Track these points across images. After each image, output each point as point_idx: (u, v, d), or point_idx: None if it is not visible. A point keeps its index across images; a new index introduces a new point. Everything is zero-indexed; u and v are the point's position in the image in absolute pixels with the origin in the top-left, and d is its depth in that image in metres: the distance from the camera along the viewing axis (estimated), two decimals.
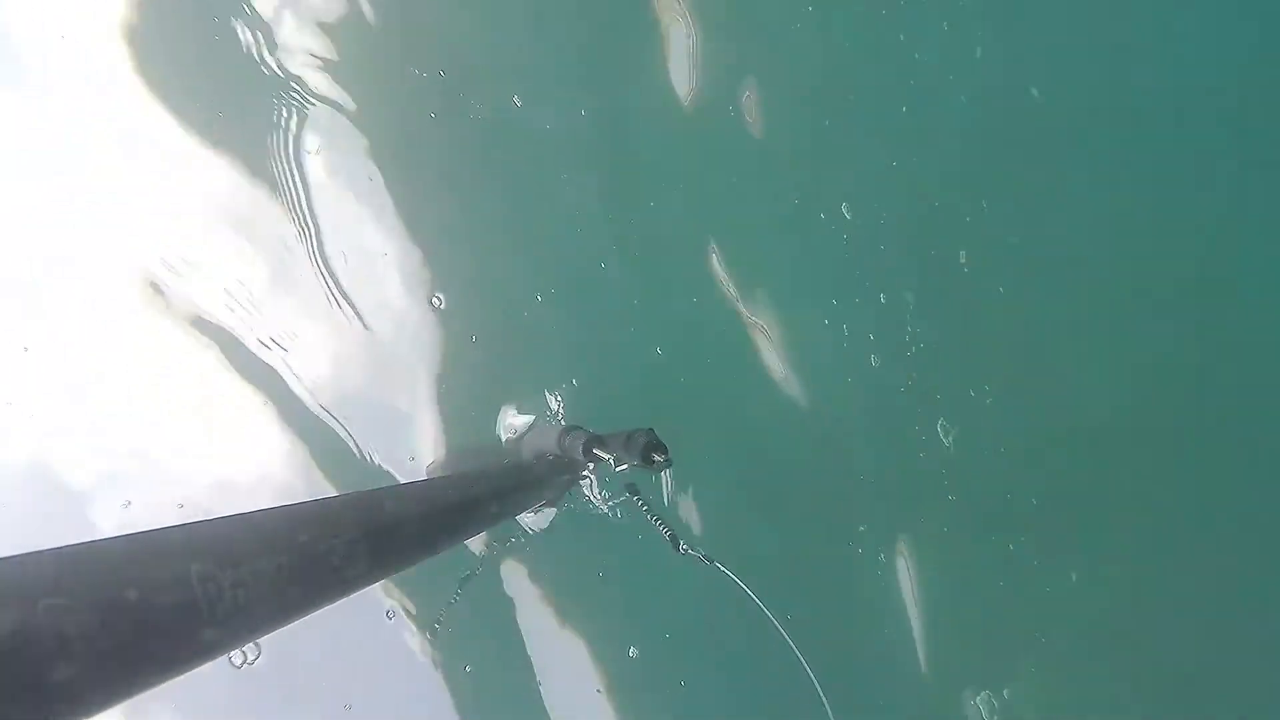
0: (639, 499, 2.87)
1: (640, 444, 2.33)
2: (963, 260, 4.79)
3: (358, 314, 3.01)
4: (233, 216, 2.87)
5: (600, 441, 2.56)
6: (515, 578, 3.40)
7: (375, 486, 1.78)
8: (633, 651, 3.60)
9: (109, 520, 2.66)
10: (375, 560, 1.31)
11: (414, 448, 3.11)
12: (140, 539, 0.93)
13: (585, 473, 3.01)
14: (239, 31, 2.88)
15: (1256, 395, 6.12)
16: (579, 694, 3.53)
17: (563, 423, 3.11)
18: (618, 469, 2.53)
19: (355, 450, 3.04)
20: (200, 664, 0.92)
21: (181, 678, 0.91)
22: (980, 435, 4.88)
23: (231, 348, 2.86)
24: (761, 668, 3.77)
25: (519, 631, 3.43)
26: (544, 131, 3.44)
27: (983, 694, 4.92)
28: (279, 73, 2.93)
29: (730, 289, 3.93)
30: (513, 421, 3.16)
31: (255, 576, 0.98)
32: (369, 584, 1.33)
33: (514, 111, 3.34)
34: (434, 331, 3.16)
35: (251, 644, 2.51)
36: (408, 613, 3.20)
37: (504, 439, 3.18)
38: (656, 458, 2.32)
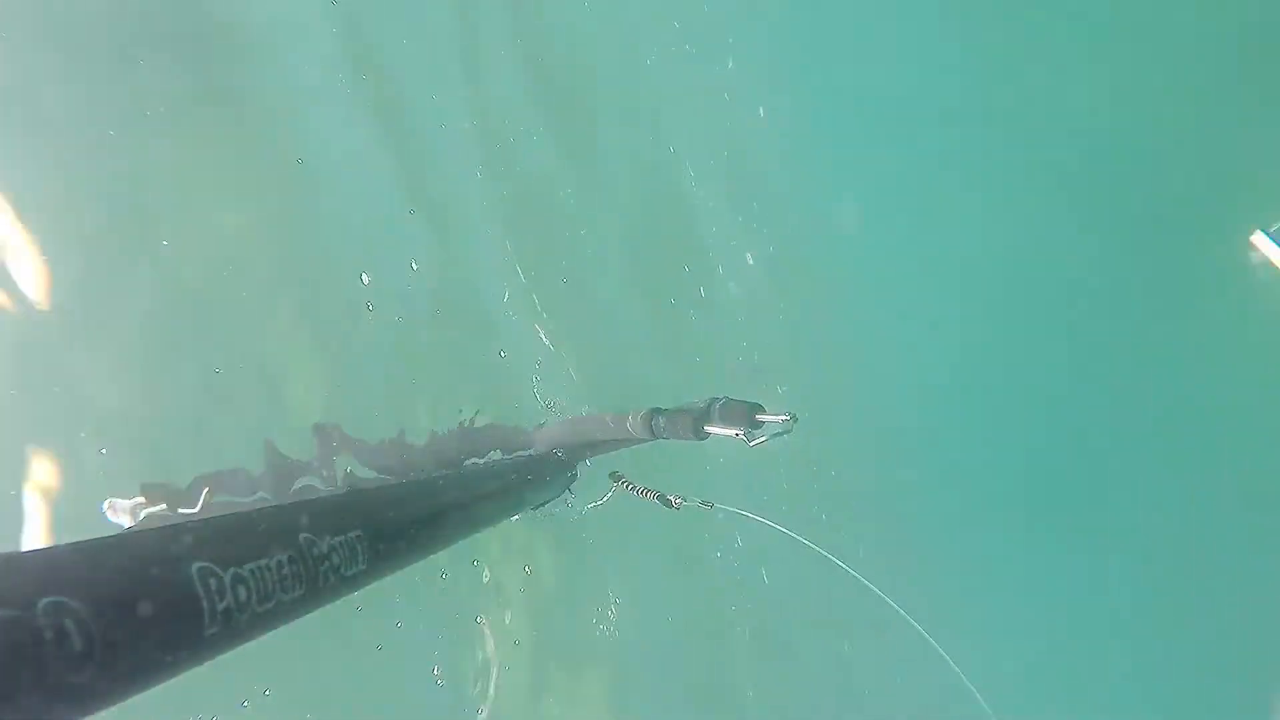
0: (622, 480, 2.98)
1: (742, 412, 2.47)
2: None
3: None
4: None
5: (705, 417, 2.60)
6: None
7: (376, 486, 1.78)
8: None
9: None
10: (376, 558, 1.31)
11: None
12: (142, 538, 0.93)
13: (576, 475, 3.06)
14: None
15: None
16: None
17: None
18: (753, 444, 2.56)
19: None
20: (202, 662, 0.92)
21: (183, 676, 0.91)
22: None
23: None
24: None
25: None
26: None
27: None
28: None
29: None
30: None
31: (257, 574, 0.98)
32: (370, 582, 1.32)
33: None
34: None
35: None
36: None
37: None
38: (762, 417, 2.45)
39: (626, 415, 2.81)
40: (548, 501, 3.00)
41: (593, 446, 2.96)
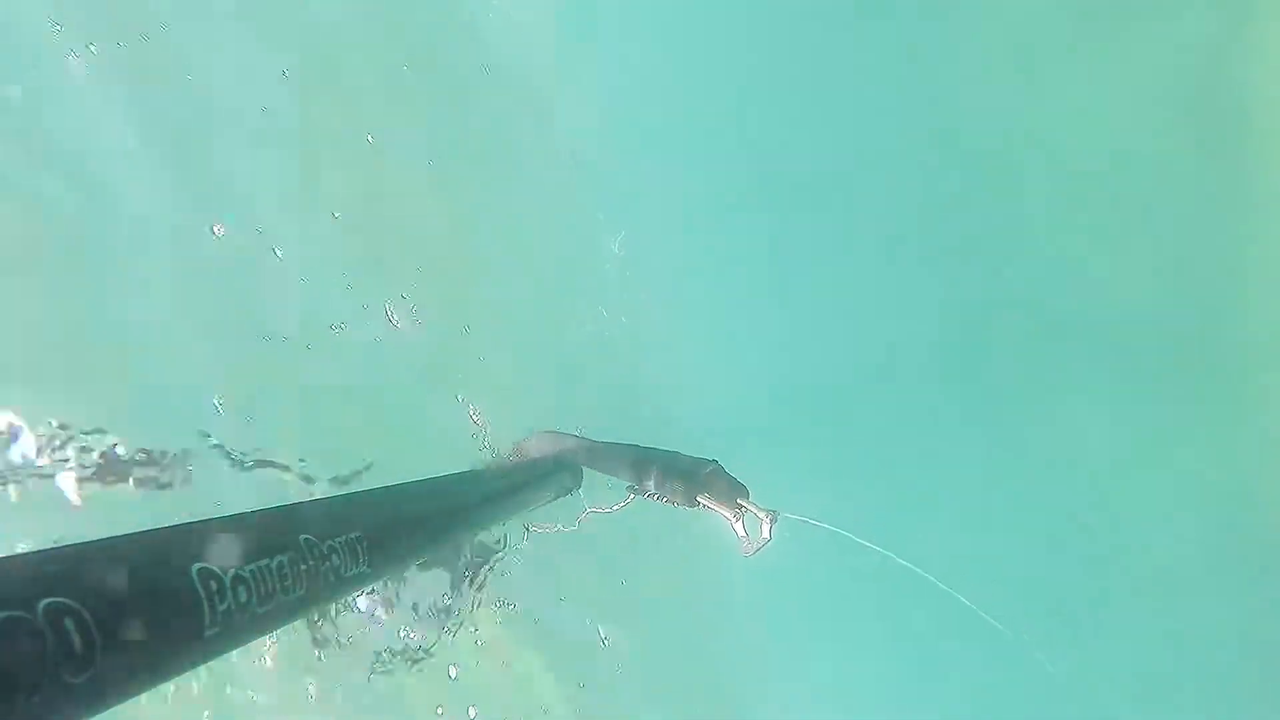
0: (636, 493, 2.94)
1: (726, 489, 2.51)
2: None
3: None
4: None
5: (696, 483, 2.58)
6: None
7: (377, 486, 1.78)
8: None
9: None
10: (376, 559, 1.30)
11: None
12: (142, 538, 0.92)
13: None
14: None
15: None
16: None
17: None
18: (750, 554, 2.53)
19: None
20: (203, 662, 0.92)
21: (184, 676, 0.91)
22: None
23: None
24: None
25: None
26: None
27: None
28: None
29: None
30: None
31: (258, 575, 0.97)
32: (370, 582, 1.32)
33: None
34: None
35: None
36: None
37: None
38: (744, 504, 2.47)
39: (612, 446, 2.78)
40: (548, 503, 2.99)
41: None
